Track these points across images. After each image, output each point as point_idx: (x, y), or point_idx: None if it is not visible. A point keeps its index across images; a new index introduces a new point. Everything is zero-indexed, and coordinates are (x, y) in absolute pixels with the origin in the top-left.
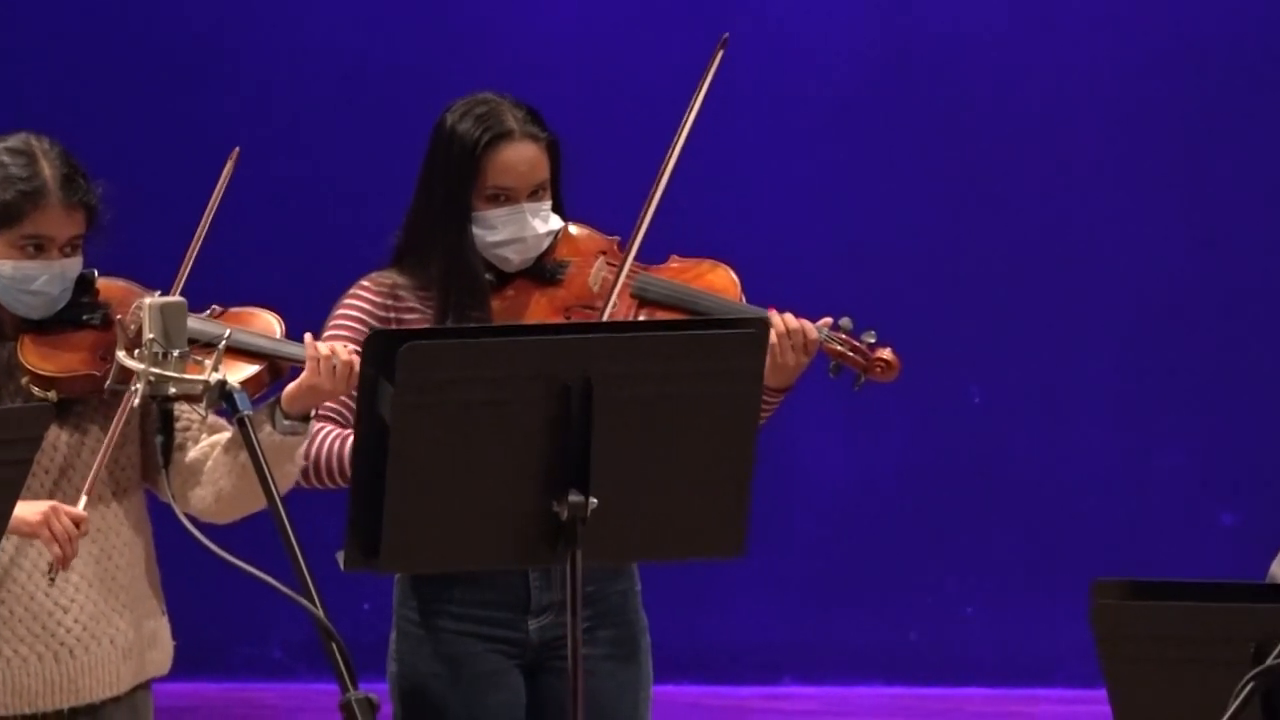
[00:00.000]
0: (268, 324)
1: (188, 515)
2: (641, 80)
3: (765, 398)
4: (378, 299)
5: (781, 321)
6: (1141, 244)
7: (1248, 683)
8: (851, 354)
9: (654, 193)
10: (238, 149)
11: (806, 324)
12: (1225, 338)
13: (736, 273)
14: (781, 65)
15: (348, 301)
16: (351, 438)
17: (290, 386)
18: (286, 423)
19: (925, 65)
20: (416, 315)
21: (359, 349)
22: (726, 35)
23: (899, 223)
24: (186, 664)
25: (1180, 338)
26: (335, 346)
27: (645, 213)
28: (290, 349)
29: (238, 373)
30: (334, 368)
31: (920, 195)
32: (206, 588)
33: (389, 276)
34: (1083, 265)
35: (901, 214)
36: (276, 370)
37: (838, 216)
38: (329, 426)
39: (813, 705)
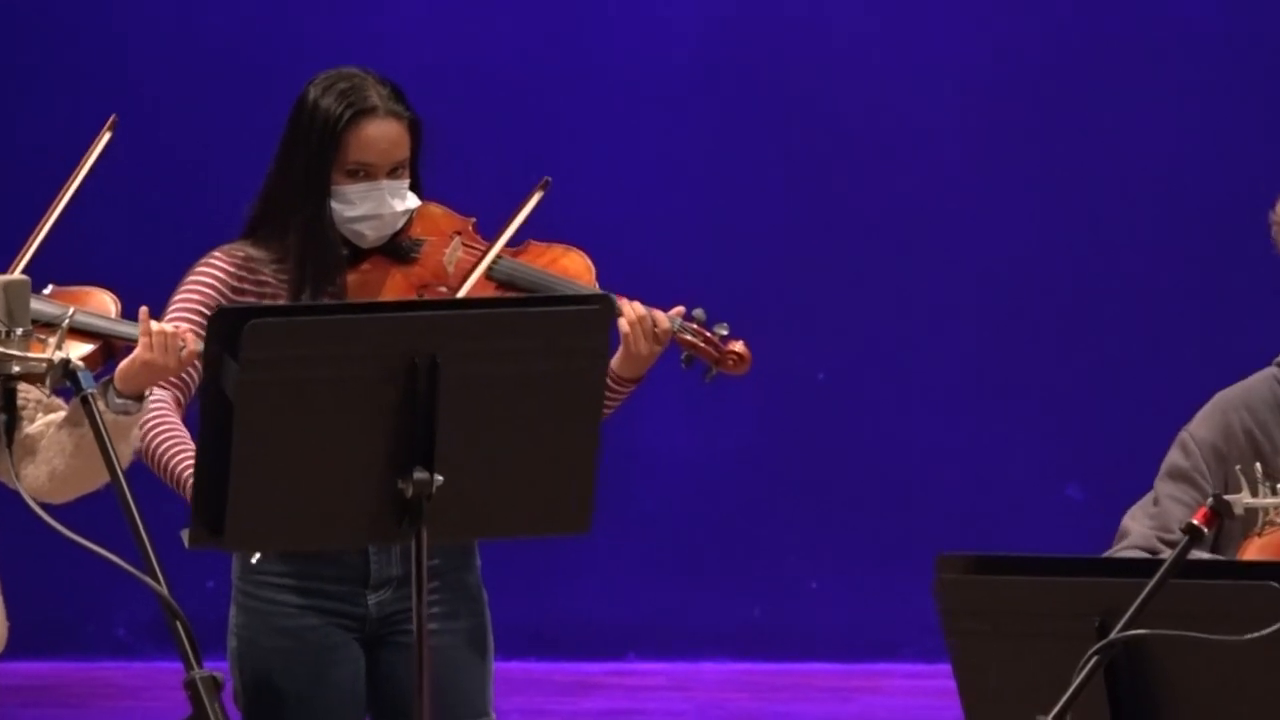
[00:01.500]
0: (103, 303)
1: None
2: (502, 64)
3: (616, 387)
4: (231, 269)
5: (632, 309)
6: (986, 223)
7: (1092, 656)
8: (704, 345)
9: (527, 200)
10: (115, 116)
11: (657, 313)
12: (1069, 314)
13: (591, 259)
14: (635, 51)
15: (200, 271)
16: (172, 448)
17: (124, 364)
18: (119, 401)
19: (776, 51)
20: (270, 288)
21: (204, 323)
22: (548, 179)
23: (747, 203)
24: (31, 643)
25: (1024, 315)
26: (165, 326)
27: (521, 208)
28: (126, 329)
29: (75, 351)
30: (166, 344)
31: (767, 176)
32: (51, 567)
33: (241, 249)
34: (928, 244)
35: (749, 195)
36: (110, 349)
37: (686, 195)
38: (164, 425)
39: (659, 681)
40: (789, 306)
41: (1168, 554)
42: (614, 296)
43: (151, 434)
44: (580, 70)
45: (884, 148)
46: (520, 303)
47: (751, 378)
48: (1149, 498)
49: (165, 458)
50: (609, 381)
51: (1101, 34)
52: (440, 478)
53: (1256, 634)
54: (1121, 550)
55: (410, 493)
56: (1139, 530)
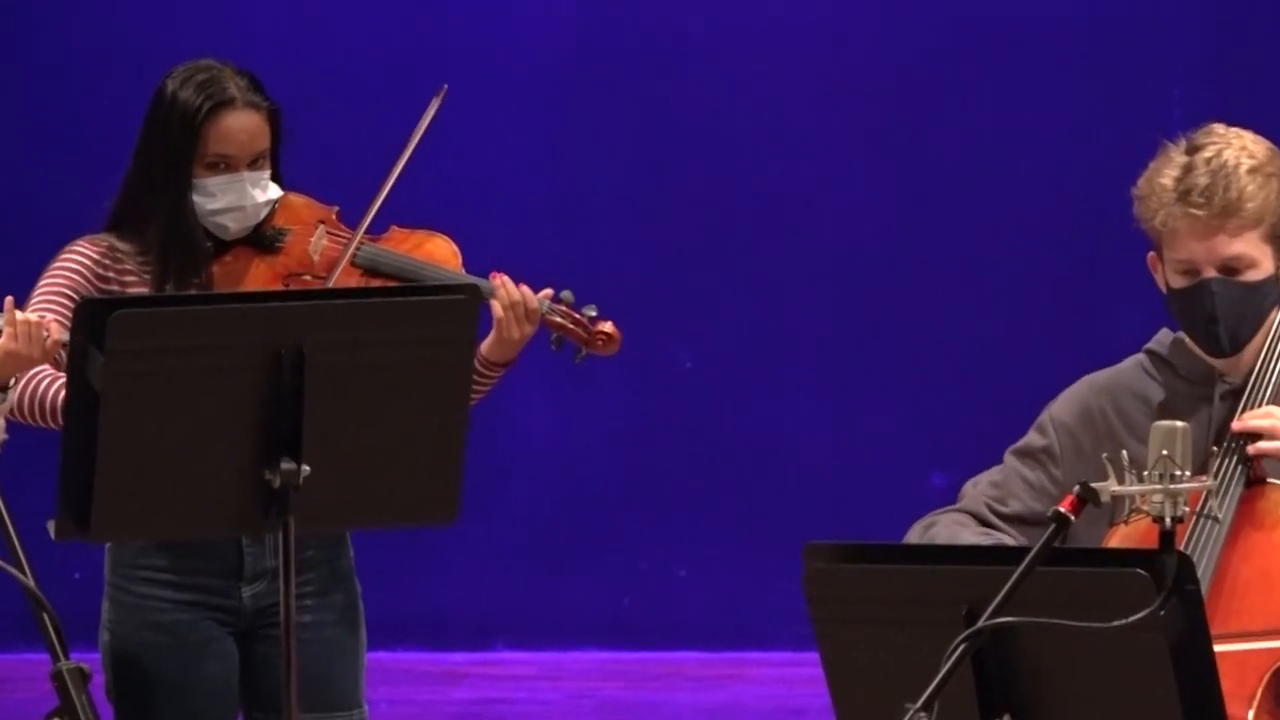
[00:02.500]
0: None
1: None
2: (362, 52)
3: (486, 372)
4: (97, 257)
5: (508, 292)
6: (850, 210)
7: (959, 644)
8: (573, 326)
9: (390, 174)
10: None
11: (528, 294)
12: (933, 302)
13: (456, 243)
14: (495, 34)
15: (64, 260)
16: (47, 380)
17: None
18: None
19: (636, 33)
20: (135, 279)
21: (69, 311)
22: (445, 86)
23: (611, 189)
24: None
25: (888, 303)
26: (29, 316)
27: (380, 192)
28: None
29: None
30: (30, 334)
31: (632, 163)
32: None
33: (105, 239)
34: (792, 231)
35: (614, 181)
36: None
37: (553, 185)
38: (42, 372)
39: (527, 670)
40: (655, 294)
41: (999, 525)
42: (487, 281)
43: (29, 381)
44: (441, 58)
45: (746, 135)
46: (387, 292)
47: (618, 365)
48: (996, 468)
49: (41, 390)
50: (479, 366)
51: (958, 19)
52: (307, 468)
53: (1123, 621)
54: (949, 511)
55: (277, 483)
56: (974, 495)
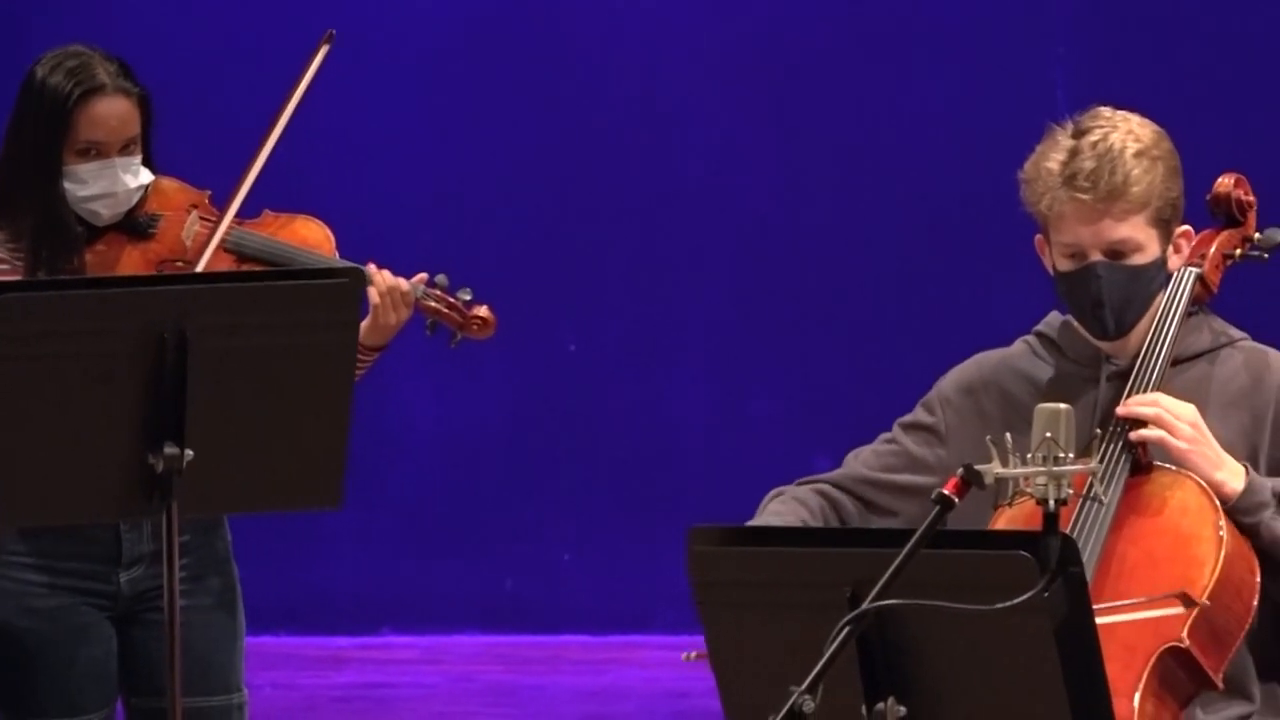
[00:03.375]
0: None
1: None
2: (239, 33)
3: (362, 356)
4: None
5: (383, 278)
6: (733, 195)
7: (844, 626)
8: (448, 311)
9: (257, 156)
10: None
11: (400, 281)
12: (816, 286)
13: (330, 228)
14: (376, 17)
15: None
16: None
17: None
18: None
19: (522, 16)
20: (6, 267)
21: None
22: (332, 31)
23: (493, 173)
24: None
25: (772, 287)
26: None
27: (246, 175)
28: None
29: None
30: None
31: (514, 145)
32: None
33: None
34: (676, 216)
35: (497, 164)
36: None
37: (431, 168)
38: None
39: (411, 655)
40: (539, 278)
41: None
42: (364, 267)
43: None
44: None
45: (632, 118)
46: (270, 276)
47: (503, 349)
48: (884, 437)
49: None
50: None
51: (841, 2)
52: (190, 452)
53: (1007, 603)
54: (820, 478)
55: (160, 468)
56: (852, 465)
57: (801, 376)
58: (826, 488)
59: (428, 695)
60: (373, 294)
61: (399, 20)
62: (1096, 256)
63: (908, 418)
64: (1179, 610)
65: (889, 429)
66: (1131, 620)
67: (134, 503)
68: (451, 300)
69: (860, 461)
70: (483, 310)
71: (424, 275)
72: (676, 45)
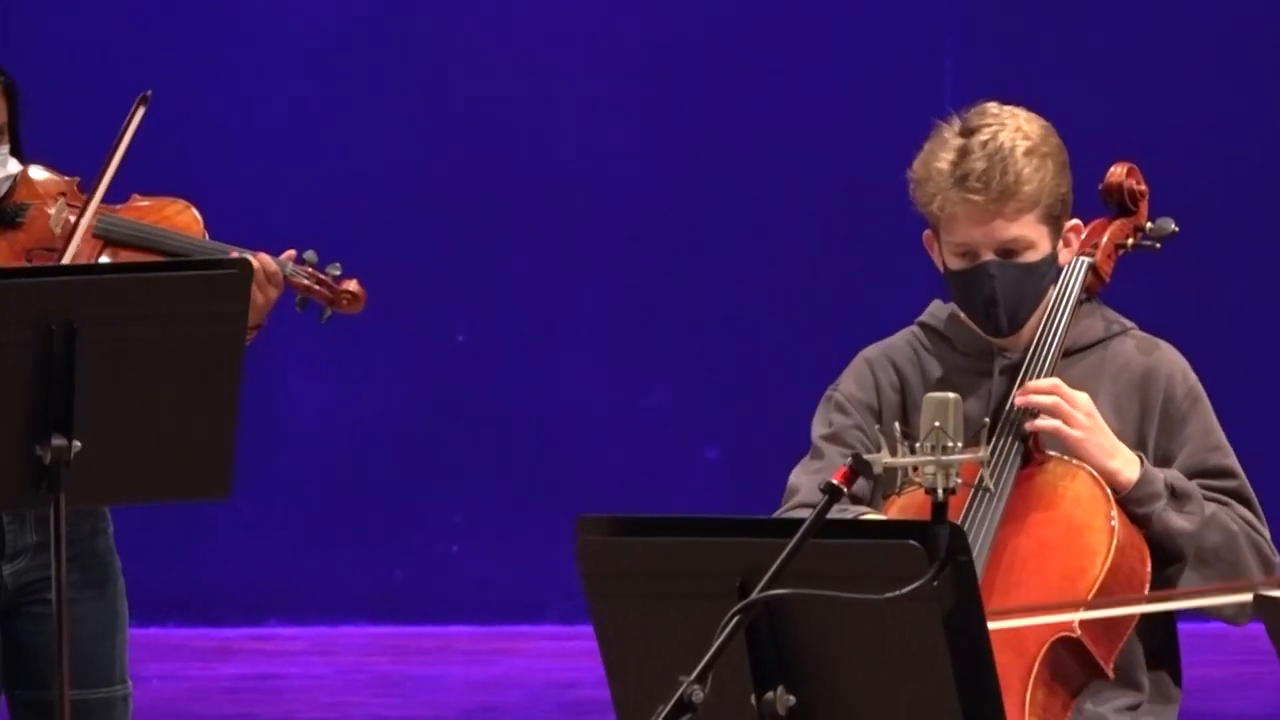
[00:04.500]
0: None
1: None
2: (114, 16)
3: None
4: None
5: (254, 259)
6: (622, 186)
7: (733, 616)
8: (317, 287)
9: (119, 142)
10: None
11: (265, 258)
12: (707, 277)
13: (200, 209)
14: (264, 5)
15: None
16: None
17: None
18: None
19: (408, 3)
20: None
21: None
22: (148, 92)
23: (382, 163)
24: None
25: (662, 278)
26: None
27: (110, 161)
28: None
29: None
30: None
31: (406, 136)
32: None
33: None
34: (566, 205)
35: (388, 153)
36: None
37: (319, 153)
38: None
39: (300, 645)
40: (430, 268)
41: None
42: (246, 256)
43: None
44: (202, 28)
45: (521, 108)
46: (159, 267)
47: (393, 340)
48: (812, 458)
49: None
50: None
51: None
52: (78, 444)
53: (896, 593)
54: (791, 508)
55: (48, 459)
56: (809, 486)
57: (691, 367)
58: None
59: (316, 686)
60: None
61: (283, 3)
62: (989, 256)
63: (823, 429)
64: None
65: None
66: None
67: (20, 494)
68: (321, 276)
69: (814, 485)
70: (352, 285)
71: (292, 251)
72: (566, 33)
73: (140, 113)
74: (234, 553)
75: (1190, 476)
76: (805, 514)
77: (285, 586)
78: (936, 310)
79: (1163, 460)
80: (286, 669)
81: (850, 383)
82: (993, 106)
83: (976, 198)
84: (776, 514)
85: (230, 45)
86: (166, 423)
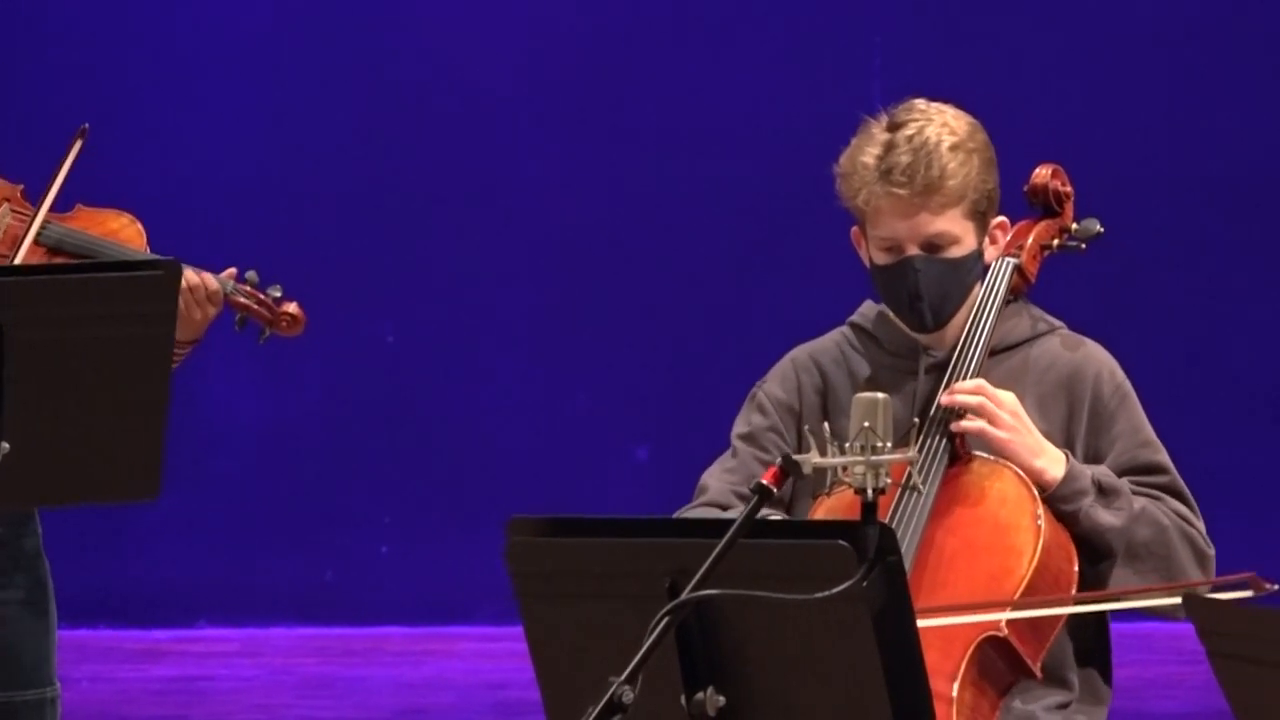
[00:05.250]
0: None
1: None
2: (53, 21)
3: (175, 350)
4: None
5: (188, 276)
6: (550, 187)
7: (663, 617)
8: (257, 307)
9: (67, 155)
10: None
11: (208, 277)
12: (636, 277)
13: (142, 221)
14: (190, 12)
15: None
16: None
17: None
18: None
19: (335, 10)
20: None
21: None
22: (86, 126)
23: (310, 163)
24: None
25: (591, 279)
26: None
27: (58, 172)
28: None
29: None
30: None
31: (335, 139)
32: None
33: None
34: (494, 205)
35: (316, 156)
36: None
37: (247, 156)
38: None
39: (230, 647)
40: (358, 270)
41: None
42: (176, 260)
43: None
44: (135, 31)
45: (449, 109)
46: (88, 269)
47: (323, 342)
48: (728, 453)
49: None
50: None
51: (671, 2)
52: (6, 445)
53: (825, 593)
54: (697, 506)
55: None
56: (717, 486)
57: (621, 368)
58: (713, 512)
59: (245, 687)
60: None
61: (212, 14)
62: (913, 250)
63: (742, 428)
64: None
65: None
66: (954, 611)
67: None
68: (261, 297)
69: (725, 483)
70: (292, 307)
71: (233, 270)
72: (492, 36)
73: (78, 146)
74: (163, 555)
75: (1121, 474)
76: (706, 514)
77: (214, 588)
78: (866, 310)
79: (1093, 459)
80: (216, 671)
81: (774, 382)
82: (920, 103)
83: (901, 191)
84: (679, 512)
85: (165, 54)
86: (95, 424)
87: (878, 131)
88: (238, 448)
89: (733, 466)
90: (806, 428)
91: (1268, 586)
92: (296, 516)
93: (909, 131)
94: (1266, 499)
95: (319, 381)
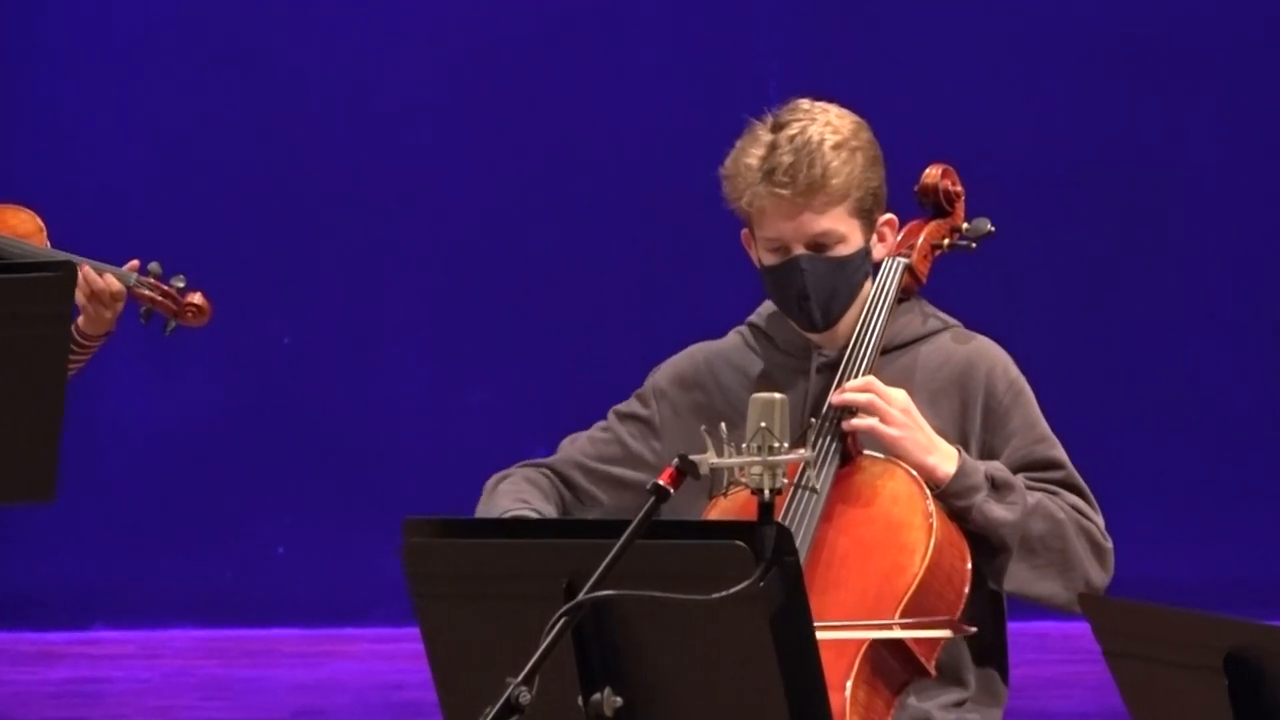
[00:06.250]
0: None
1: None
2: None
3: (84, 343)
4: None
5: (85, 277)
6: (446, 185)
7: (560, 617)
8: (161, 299)
9: None
10: None
11: (110, 277)
12: (528, 276)
13: (42, 217)
14: (88, 5)
15: None
16: None
17: None
18: None
19: (233, 5)
20: None
21: None
22: None
23: (205, 165)
24: None
25: (485, 276)
26: None
27: None
28: None
29: None
30: None
31: (231, 137)
32: None
33: None
34: (389, 206)
35: (212, 154)
36: None
37: (148, 154)
38: None
39: (126, 649)
40: (254, 271)
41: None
42: (74, 262)
43: None
44: (31, 26)
45: (342, 107)
46: None
47: (218, 342)
48: (599, 425)
49: None
50: (76, 337)
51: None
52: None
53: (722, 593)
54: (532, 466)
55: None
56: (569, 453)
57: (516, 366)
58: (548, 471)
59: (142, 690)
60: (83, 285)
61: (110, 7)
62: (799, 250)
63: (623, 407)
64: (945, 633)
65: (604, 418)
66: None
67: None
68: (165, 288)
69: (577, 448)
70: (197, 298)
71: (136, 263)
72: (389, 37)
73: None
74: (58, 556)
75: (1017, 470)
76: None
77: (110, 590)
78: (763, 309)
79: (988, 455)
80: (112, 673)
81: (666, 376)
82: (804, 103)
83: (784, 191)
84: (516, 467)
85: (65, 48)
86: None
87: (761, 133)
88: (134, 449)
89: (597, 438)
90: (704, 428)
91: (966, 629)
92: (193, 518)
93: (791, 131)
94: (1160, 493)
95: (216, 382)
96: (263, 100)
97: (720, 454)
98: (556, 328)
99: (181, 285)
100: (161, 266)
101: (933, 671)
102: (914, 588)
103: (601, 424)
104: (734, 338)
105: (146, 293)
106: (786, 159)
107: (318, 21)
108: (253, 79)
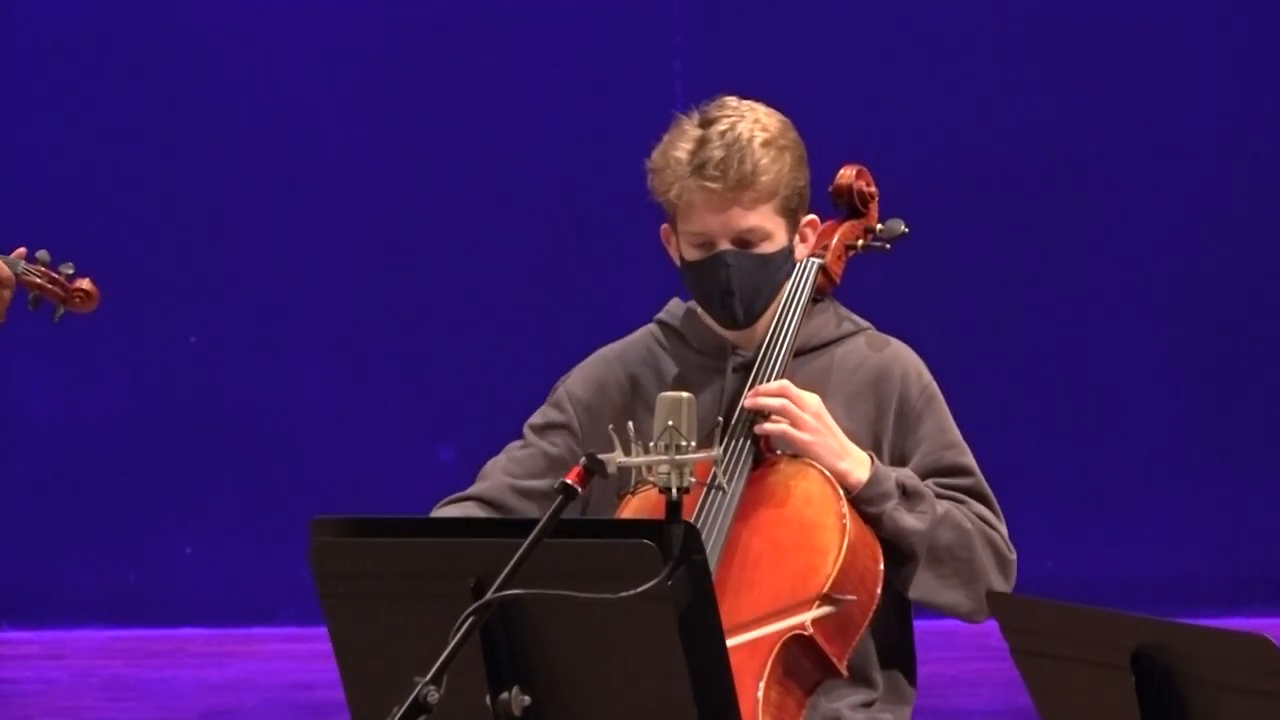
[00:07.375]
0: None
1: None
2: None
3: None
4: None
5: None
6: (356, 185)
7: (468, 617)
8: (50, 286)
9: None
10: None
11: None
12: (438, 277)
13: None
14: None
15: None
16: None
17: None
18: None
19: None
20: None
21: None
22: None
23: (114, 162)
24: None
25: (395, 277)
26: None
27: None
28: None
29: None
30: None
31: (138, 137)
32: None
33: None
34: (298, 207)
35: (116, 153)
36: None
37: (49, 150)
38: None
39: (32, 650)
40: (161, 270)
41: (517, 509)
42: None
43: None
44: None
45: (252, 105)
46: None
47: (124, 341)
48: (517, 444)
49: None
50: None
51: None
52: None
53: (630, 592)
54: (462, 499)
55: None
56: (495, 479)
57: (425, 367)
58: (480, 501)
59: (48, 690)
60: None
61: (15, 6)
62: (725, 245)
63: (537, 420)
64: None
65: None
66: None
67: None
68: (54, 275)
69: (501, 470)
70: (85, 283)
71: (23, 250)
72: (301, 29)
73: None
74: None
75: (926, 475)
76: (464, 511)
77: (15, 591)
78: (674, 308)
79: (899, 459)
80: (18, 674)
81: (576, 380)
82: (731, 100)
83: (714, 185)
84: (440, 504)
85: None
86: None
87: (690, 127)
88: (38, 448)
89: (518, 457)
90: (611, 427)
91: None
92: (98, 518)
93: (721, 127)
94: (1067, 491)
95: (121, 381)
96: (170, 101)
97: (628, 452)
98: (464, 329)
99: (70, 272)
100: (50, 254)
101: (844, 672)
102: (827, 587)
103: (518, 442)
104: (642, 336)
105: (35, 279)
106: (718, 153)
107: (227, 20)
108: (161, 78)
